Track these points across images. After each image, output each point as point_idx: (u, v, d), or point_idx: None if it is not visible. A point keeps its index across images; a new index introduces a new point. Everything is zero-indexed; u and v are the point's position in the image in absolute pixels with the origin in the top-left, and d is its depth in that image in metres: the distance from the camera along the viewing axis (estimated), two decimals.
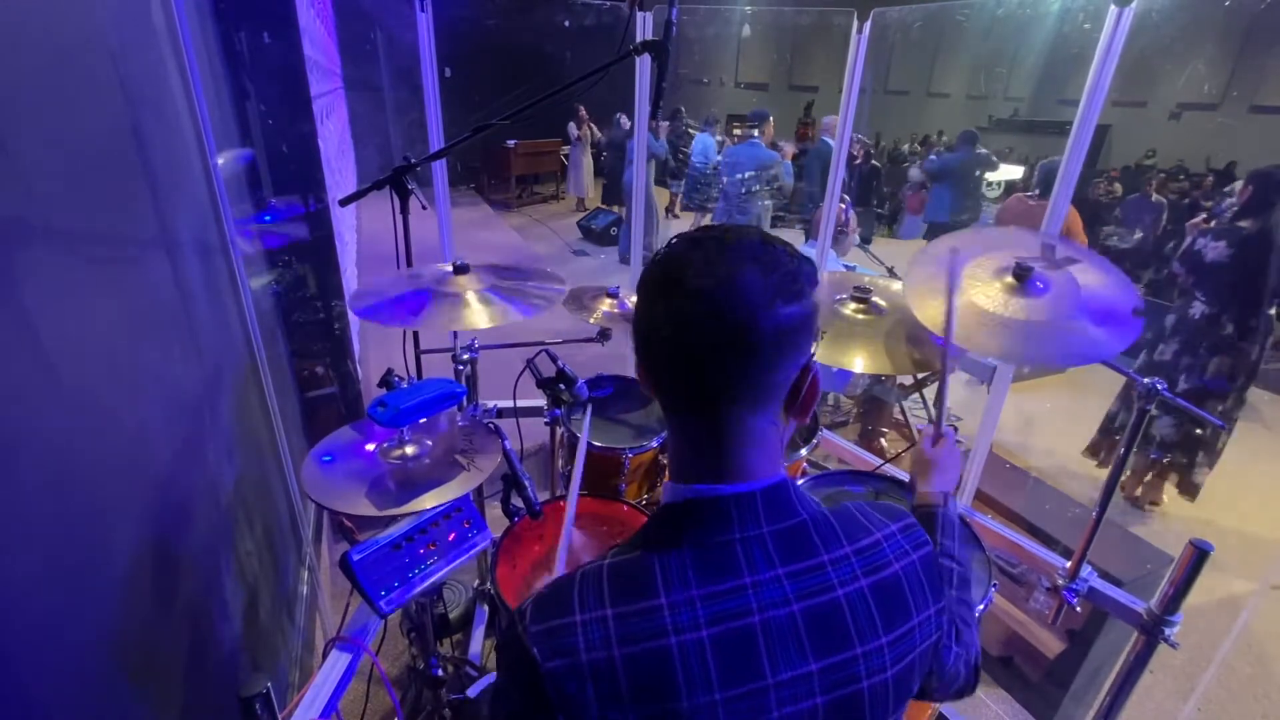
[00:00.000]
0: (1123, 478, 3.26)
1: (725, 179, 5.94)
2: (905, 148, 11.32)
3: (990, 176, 8.25)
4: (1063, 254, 1.29)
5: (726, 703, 0.55)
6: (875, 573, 0.62)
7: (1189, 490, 3.27)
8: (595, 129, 9.23)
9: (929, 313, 1.24)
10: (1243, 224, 2.94)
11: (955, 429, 1.36)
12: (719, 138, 8.91)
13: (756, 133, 5.82)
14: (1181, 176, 8.68)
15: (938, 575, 0.67)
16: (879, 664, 0.60)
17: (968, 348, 1.19)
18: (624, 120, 8.59)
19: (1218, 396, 3.07)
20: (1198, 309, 3.04)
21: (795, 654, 0.58)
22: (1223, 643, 2.48)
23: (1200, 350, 3.04)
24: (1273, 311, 2.99)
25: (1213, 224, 3.33)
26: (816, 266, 0.61)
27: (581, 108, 8.96)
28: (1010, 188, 8.09)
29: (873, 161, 8.72)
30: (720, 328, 0.56)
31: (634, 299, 2.11)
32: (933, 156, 7.26)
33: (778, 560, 0.60)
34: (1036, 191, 3.97)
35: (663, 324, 0.59)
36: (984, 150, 6.97)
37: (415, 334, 1.77)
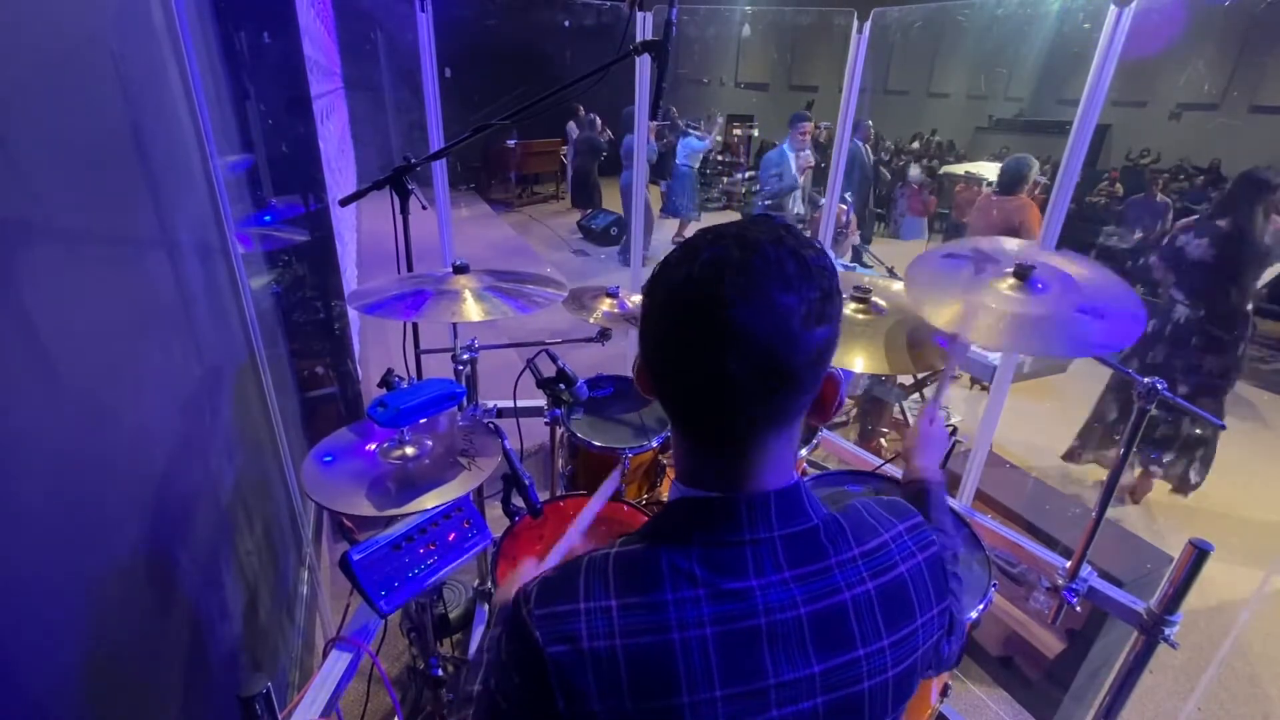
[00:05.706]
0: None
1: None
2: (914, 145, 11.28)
3: (989, 175, 8.24)
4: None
5: (726, 700, 0.55)
6: (881, 575, 0.62)
7: (1184, 488, 3.29)
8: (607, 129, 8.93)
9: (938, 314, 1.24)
10: (1220, 222, 2.96)
11: (947, 411, 1.36)
12: (718, 138, 8.89)
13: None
14: (1182, 176, 8.69)
15: (942, 574, 0.67)
16: (880, 665, 0.60)
17: (975, 341, 1.19)
18: (582, 119, 8.43)
19: (1211, 394, 3.10)
20: (1180, 312, 3.07)
21: (798, 656, 0.57)
22: (1223, 643, 2.48)
23: (1191, 351, 3.06)
24: (1249, 308, 3.01)
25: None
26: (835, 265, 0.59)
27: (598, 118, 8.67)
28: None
29: (874, 158, 8.72)
30: (757, 363, 0.53)
31: (634, 299, 2.11)
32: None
33: (785, 564, 0.59)
34: (995, 189, 4.15)
35: (686, 352, 0.56)
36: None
37: (415, 333, 1.77)
